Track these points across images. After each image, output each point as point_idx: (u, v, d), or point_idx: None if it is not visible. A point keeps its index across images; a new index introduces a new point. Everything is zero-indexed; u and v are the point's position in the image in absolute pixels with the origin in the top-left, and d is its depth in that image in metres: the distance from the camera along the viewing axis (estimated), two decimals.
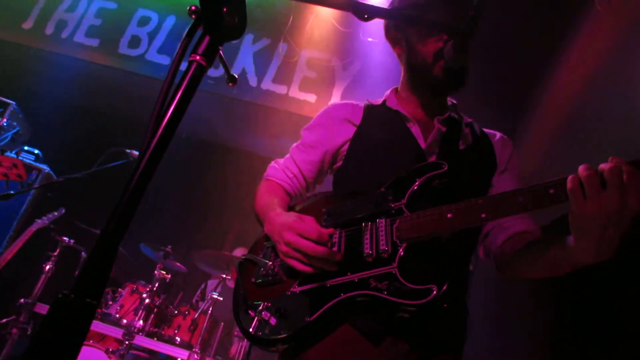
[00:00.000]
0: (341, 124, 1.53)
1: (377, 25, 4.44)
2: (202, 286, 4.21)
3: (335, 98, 4.53)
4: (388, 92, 1.60)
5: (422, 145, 1.42)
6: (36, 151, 3.93)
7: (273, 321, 1.20)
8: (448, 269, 1.20)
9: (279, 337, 1.16)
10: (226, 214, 5.10)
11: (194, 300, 3.94)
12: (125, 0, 4.90)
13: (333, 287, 1.18)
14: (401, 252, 1.15)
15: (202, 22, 0.58)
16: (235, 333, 3.77)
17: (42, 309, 3.39)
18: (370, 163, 1.43)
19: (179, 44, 0.59)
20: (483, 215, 1.08)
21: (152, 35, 4.81)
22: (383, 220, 1.23)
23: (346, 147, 1.51)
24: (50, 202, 3.72)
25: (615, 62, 2.59)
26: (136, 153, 3.84)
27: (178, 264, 3.89)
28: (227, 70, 0.67)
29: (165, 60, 4.73)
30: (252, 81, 4.64)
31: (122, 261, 3.99)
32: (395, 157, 1.40)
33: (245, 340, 3.09)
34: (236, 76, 0.72)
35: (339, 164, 1.53)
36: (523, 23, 3.77)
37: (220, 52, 0.62)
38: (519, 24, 3.70)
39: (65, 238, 3.53)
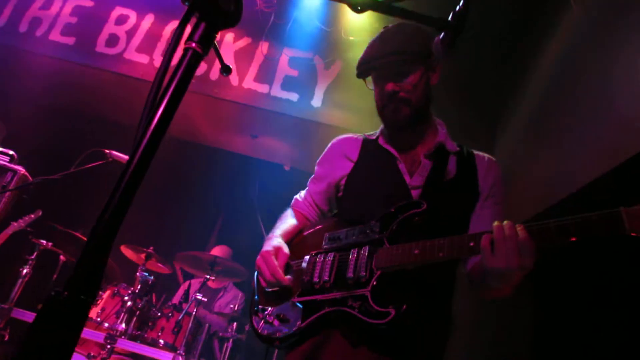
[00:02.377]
0: (341, 159, 1.78)
1: (358, 23, 4.46)
2: (186, 287, 4.15)
3: (318, 97, 4.52)
4: (382, 126, 1.77)
5: (408, 181, 1.61)
6: (11, 152, 3.81)
7: (276, 323, 1.51)
8: (414, 294, 1.43)
9: (277, 336, 1.49)
10: (208, 214, 5.04)
11: (177, 302, 3.88)
12: None
13: (322, 301, 1.44)
14: (375, 278, 1.38)
15: (197, 8, 0.56)
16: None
17: (20, 314, 3.30)
18: (364, 197, 1.65)
19: (174, 32, 0.57)
20: (441, 255, 1.29)
21: (130, 34, 4.73)
22: (367, 248, 1.43)
23: (344, 181, 1.74)
24: (26, 204, 3.62)
25: (591, 60, 2.64)
26: (116, 153, 3.77)
27: (160, 265, 3.83)
28: (221, 61, 0.66)
29: (144, 60, 4.65)
30: (234, 80, 4.59)
31: None
32: (384, 193, 1.60)
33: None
34: (231, 67, 0.71)
35: (340, 194, 1.76)
36: (500, 21, 3.83)
37: (216, 41, 0.61)
38: (495, 23, 3.76)
39: (42, 241, 3.44)
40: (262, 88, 4.58)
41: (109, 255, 0.53)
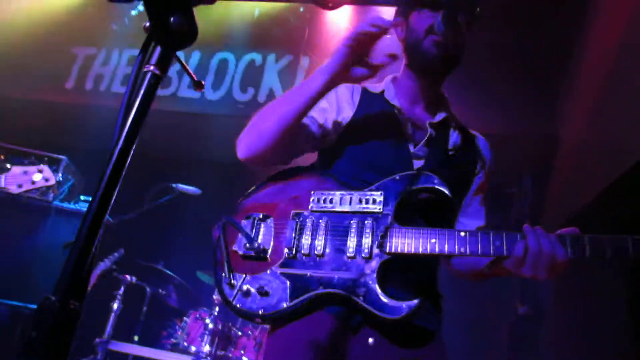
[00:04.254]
0: (345, 102, 1.48)
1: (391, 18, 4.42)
2: None
3: None
4: (387, 79, 1.54)
5: (411, 147, 1.42)
6: (91, 199, 4.18)
7: (253, 296, 1.26)
8: (424, 286, 1.32)
9: (258, 313, 1.25)
10: None
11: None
12: None
13: (313, 278, 1.24)
14: (381, 263, 1.22)
15: (153, 34, 0.61)
16: None
17: (117, 346, 3.56)
18: (361, 154, 1.42)
19: (137, 59, 0.62)
20: (462, 250, 1.19)
21: (180, 73, 5.03)
22: (370, 224, 1.26)
23: (340, 128, 1.46)
24: (109, 245, 3.93)
25: None
26: (181, 186, 4.01)
27: None
28: (190, 76, 0.70)
29: (195, 94, 4.93)
30: None
31: (182, 290, 4.14)
32: (385, 156, 1.40)
33: None
34: (203, 82, 0.75)
35: (331, 137, 1.46)
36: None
37: (182, 61, 0.65)
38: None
39: (127, 276, 3.71)
40: None
41: (92, 259, 0.57)
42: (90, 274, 0.57)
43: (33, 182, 2.15)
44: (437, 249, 1.20)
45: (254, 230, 1.34)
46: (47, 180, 2.19)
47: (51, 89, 5.03)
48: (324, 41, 4.60)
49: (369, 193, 1.30)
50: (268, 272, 1.28)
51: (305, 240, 1.28)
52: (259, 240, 1.32)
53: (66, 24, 4.90)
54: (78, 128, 4.75)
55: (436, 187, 1.28)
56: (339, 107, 1.47)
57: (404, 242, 1.23)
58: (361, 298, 1.19)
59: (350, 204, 1.30)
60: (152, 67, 0.60)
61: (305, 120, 1.40)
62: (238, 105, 4.85)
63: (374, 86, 1.54)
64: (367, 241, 1.23)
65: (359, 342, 1.25)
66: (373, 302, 1.18)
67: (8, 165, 2.19)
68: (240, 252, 1.33)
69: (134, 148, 0.60)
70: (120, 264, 3.77)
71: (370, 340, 1.25)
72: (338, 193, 1.32)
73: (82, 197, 4.19)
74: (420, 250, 1.21)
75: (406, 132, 1.44)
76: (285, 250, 1.29)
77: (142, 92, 0.59)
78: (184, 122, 4.96)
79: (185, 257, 4.46)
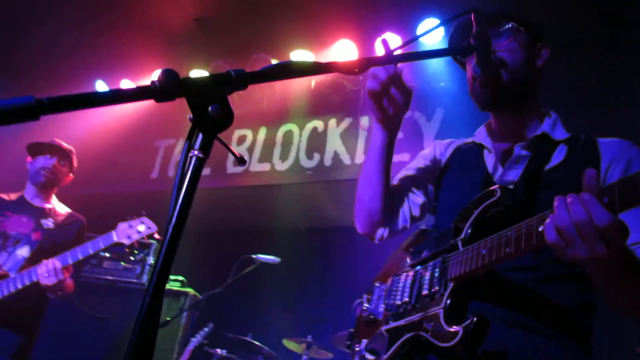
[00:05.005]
0: (433, 160, 1.63)
1: (441, 69, 4.47)
2: None
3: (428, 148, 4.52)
4: (481, 127, 1.60)
5: (497, 176, 1.39)
6: (180, 278, 4.43)
7: (368, 358, 1.32)
8: (502, 301, 1.18)
9: None
10: (357, 293, 5.10)
11: None
12: None
13: (403, 327, 1.24)
14: (449, 292, 1.15)
15: (195, 123, 0.71)
16: None
17: None
18: (448, 199, 1.48)
19: (184, 147, 0.71)
20: (507, 250, 1.02)
21: (250, 149, 5.34)
22: (440, 259, 1.23)
23: (431, 186, 1.59)
24: (199, 320, 4.10)
25: None
26: (261, 257, 4.15)
27: (322, 351, 3.93)
28: (233, 153, 0.79)
29: (266, 167, 5.19)
30: (346, 160, 4.84)
31: None
32: (470, 192, 1.35)
33: None
34: (245, 158, 0.83)
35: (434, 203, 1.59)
36: None
37: (224, 141, 0.74)
38: None
39: (218, 350, 3.81)
40: None
41: (156, 329, 0.63)
42: (155, 339, 0.62)
43: (139, 232, 2.52)
44: (487, 259, 1.06)
45: (374, 297, 1.45)
46: (149, 228, 2.55)
47: (139, 181, 5.53)
48: None
49: (447, 230, 1.30)
50: (378, 332, 1.34)
51: (399, 295, 1.32)
52: (372, 306, 1.42)
53: (147, 121, 5.45)
54: (164, 213, 5.14)
55: (495, 197, 1.19)
56: (424, 174, 1.61)
57: (461, 262, 1.14)
58: (429, 333, 1.13)
59: (434, 247, 1.31)
60: (196, 152, 0.69)
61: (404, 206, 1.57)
62: (307, 172, 5.02)
63: (469, 137, 1.62)
64: (436, 275, 1.20)
65: None
66: (436, 334, 1.11)
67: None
68: (364, 319, 1.43)
69: (186, 223, 0.67)
70: (211, 338, 3.89)
71: None
72: (426, 241, 1.37)
73: (171, 277, 4.45)
74: (475, 265, 1.09)
75: (489, 159, 1.44)
76: (387, 309, 1.35)
77: (189, 173, 0.67)
78: (258, 194, 5.20)
79: (271, 326, 4.51)
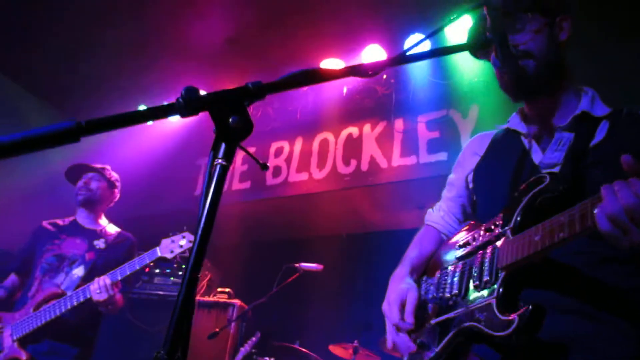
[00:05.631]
0: (470, 157, 1.61)
1: (473, 64, 4.41)
2: None
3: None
4: (513, 114, 1.56)
5: (537, 160, 1.36)
6: (227, 290, 4.55)
7: (418, 351, 1.33)
8: (557, 288, 1.15)
9: None
10: None
11: None
12: (260, 140, 5.67)
13: (454, 319, 1.26)
14: (500, 281, 1.14)
15: (218, 133, 0.76)
16: None
17: None
18: (491, 190, 1.46)
19: (209, 156, 0.77)
20: (561, 235, 0.98)
21: (288, 161, 5.44)
22: (491, 247, 1.22)
23: (471, 177, 1.58)
24: (247, 330, 4.19)
25: None
26: (305, 265, 4.21)
27: (369, 356, 3.93)
28: (256, 160, 0.84)
29: (304, 177, 5.26)
30: (383, 164, 4.85)
31: None
32: (509, 181, 1.36)
33: None
34: (267, 164, 0.88)
35: (474, 196, 1.59)
36: None
37: (245, 148, 0.79)
38: None
39: (266, 358, 3.89)
40: (411, 160, 4.72)
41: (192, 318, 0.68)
42: (189, 332, 0.68)
43: (181, 246, 2.67)
44: (540, 246, 1.03)
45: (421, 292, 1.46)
46: (190, 242, 2.69)
47: (184, 199, 5.73)
48: (414, 99, 4.72)
49: (494, 220, 1.28)
50: (428, 326, 1.36)
51: (448, 287, 1.32)
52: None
53: (188, 140, 5.65)
54: None
55: (545, 183, 1.16)
56: (462, 175, 1.63)
57: (512, 249, 1.12)
58: (482, 323, 1.13)
59: (481, 238, 1.30)
60: (220, 160, 0.75)
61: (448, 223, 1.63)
62: (344, 179, 5.06)
63: (503, 125, 1.58)
64: (486, 265, 1.20)
65: None
66: (491, 323, 1.10)
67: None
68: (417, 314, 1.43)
69: (213, 227, 0.72)
70: (259, 347, 3.97)
71: None
72: (472, 233, 1.36)
73: (219, 289, 4.58)
74: (527, 252, 1.06)
75: (532, 148, 1.39)
76: (437, 302, 1.37)
77: (214, 180, 0.72)
78: (297, 204, 5.28)
79: (318, 333, 4.55)
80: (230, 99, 0.78)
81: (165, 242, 2.76)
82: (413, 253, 1.57)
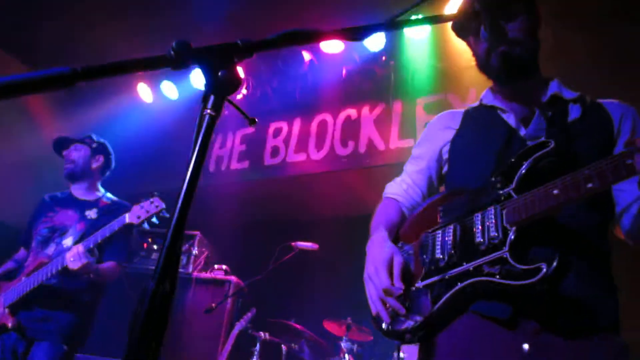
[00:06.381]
0: (442, 131, 1.65)
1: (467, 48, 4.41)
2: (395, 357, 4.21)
3: None
4: (485, 91, 1.65)
5: (522, 132, 1.44)
6: (224, 266, 4.62)
7: (406, 315, 1.31)
8: (563, 247, 1.19)
9: (407, 328, 1.29)
10: None
11: None
12: (259, 121, 5.69)
13: (451, 277, 1.27)
14: (512, 235, 1.19)
15: (208, 88, 0.80)
16: None
17: None
18: (473, 160, 1.50)
19: (200, 109, 0.81)
20: (589, 185, 1.09)
21: (286, 141, 5.47)
22: (492, 208, 1.27)
23: (446, 149, 1.61)
24: (243, 306, 4.27)
25: None
26: (301, 244, 4.27)
27: (363, 331, 4.01)
28: (244, 115, 0.87)
29: (302, 157, 5.29)
30: (380, 146, 4.87)
31: (313, 343, 4.26)
32: (496, 150, 1.43)
33: None
34: (255, 119, 0.92)
35: (445, 168, 1.63)
36: None
37: (233, 102, 0.83)
38: None
39: (261, 333, 3.96)
40: (408, 143, 4.74)
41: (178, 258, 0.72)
42: (177, 264, 0.71)
43: (147, 212, 2.71)
44: (562, 198, 1.13)
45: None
46: (157, 207, 2.75)
47: (180, 179, 5.76)
48: (413, 82, 4.73)
49: (488, 183, 1.34)
50: (413, 289, 1.35)
51: (439, 248, 1.34)
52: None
53: (186, 117, 5.65)
54: (206, 206, 5.35)
55: (550, 147, 1.25)
56: (433, 148, 1.65)
57: (525, 205, 1.19)
58: (497, 276, 1.16)
59: (473, 201, 1.35)
60: (209, 111, 0.78)
61: (409, 193, 1.65)
62: (341, 160, 5.09)
63: (474, 103, 1.66)
64: (491, 223, 1.24)
65: (512, 349, 1.18)
66: (508, 275, 1.14)
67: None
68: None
69: (199, 176, 0.76)
70: (254, 322, 4.05)
71: (525, 346, 1.17)
72: (460, 197, 1.41)
73: (215, 266, 4.65)
74: (545, 206, 1.16)
75: (513, 122, 1.47)
76: (423, 265, 1.37)
77: (203, 130, 0.76)
78: (295, 184, 5.32)
79: (312, 311, 4.62)
80: (220, 53, 0.82)
81: (135, 208, 2.79)
82: (381, 219, 1.58)
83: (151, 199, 2.81)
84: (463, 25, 1.40)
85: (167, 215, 2.84)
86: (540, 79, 1.54)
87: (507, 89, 1.54)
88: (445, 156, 1.62)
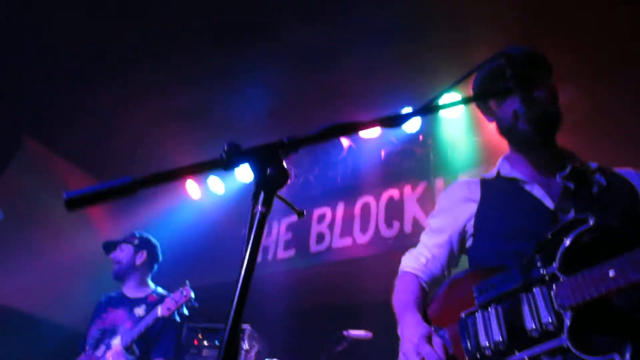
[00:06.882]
0: (462, 203, 1.61)
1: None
2: None
3: None
4: (499, 161, 1.64)
5: (550, 205, 1.41)
6: None
7: None
8: (630, 333, 1.09)
9: None
10: None
11: None
12: (302, 208, 5.76)
13: None
14: (567, 321, 1.11)
15: (257, 185, 0.84)
16: None
17: None
18: (502, 235, 1.44)
19: (251, 205, 0.84)
20: None
21: (331, 227, 5.49)
22: (538, 289, 1.19)
23: (471, 224, 1.56)
24: None
25: None
26: (353, 332, 4.12)
27: None
28: (293, 209, 0.90)
29: (348, 242, 5.26)
30: (426, 224, 4.78)
31: None
32: (525, 224, 1.39)
33: None
34: (304, 211, 0.94)
35: (469, 242, 1.58)
36: None
37: (282, 197, 0.86)
38: None
39: None
40: None
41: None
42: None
43: (176, 302, 2.71)
44: (620, 281, 1.04)
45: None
46: (185, 295, 2.78)
47: (228, 272, 5.81)
48: (453, 158, 4.76)
49: (527, 261, 1.26)
50: None
51: (482, 335, 1.24)
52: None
53: (233, 211, 5.82)
54: (254, 298, 5.31)
55: (589, 224, 1.18)
56: (455, 222, 1.60)
57: (578, 289, 1.11)
58: None
59: (512, 281, 1.26)
60: (259, 208, 0.81)
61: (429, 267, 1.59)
62: (388, 242, 5.03)
63: (489, 173, 1.65)
64: (540, 306, 1.16)
65: None
66: None
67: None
68: None
69: (254, 270, 0.77)
70: None
71: None
72: (496, 276, 1.31)
73: None
74: (602, 290, 1.07)
75: (539, 194, 1.44)
76: (466, 353, 1.27)
77: (255, 226, 0.79)
78: (342, 270, 5.25)
79: None
80: (267, 151, 0.87)
81: (167, 300, 2.82)
82: (409, 298, 1.50)
83: (181, 289, 2.85)
84: (489, 94, 1.43)
85: (196, 305, 2.87)
86: (558, 149, 1.54)
87: (528, 156, 1.53)
88: (470, 231, 1.57)
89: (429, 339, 1.29)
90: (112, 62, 4.48)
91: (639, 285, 1.03)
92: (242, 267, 0.76)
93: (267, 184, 0.84)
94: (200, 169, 0.84)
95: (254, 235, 0.79)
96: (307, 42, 4.19)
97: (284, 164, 0.88)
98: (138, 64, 4.50)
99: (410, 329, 1.35)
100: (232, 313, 0.72)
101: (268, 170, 0.85)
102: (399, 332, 1.41)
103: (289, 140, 0.89)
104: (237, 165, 0.84)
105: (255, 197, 0.85)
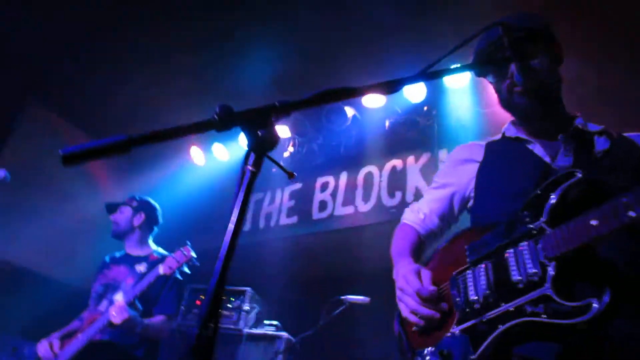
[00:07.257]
0: (465, 164, 1.65)
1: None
2: None
3: None
4: (506, 124, 1.66)
5: (549, 162, 1.42)
6: (275, 322, 4.59)
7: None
8: (611, 279, 1.10)
9: None
10: None
11: None
12: (306, 176, 5.80)
13: (490, 320, 1.20)
14: (551, 271, 1.13)
15: (249, 146, 0.87)
16: None
17: None
18: (500, 192, 1.48)
19: (241, 167, 0.87)
20: (632, 214, 1.01)
21: (334, 195, 5.53)
22: (526, 243, 1.22)
23: (472, 184, 1.60)
24: None
25: None
26: (351, 297, 4.21)
27: None
28: (284, 169, 0.93)
29: (350, 210, 5.31)
30: None
31: None
32: (522, 181, 1.41)
33: None
34: (294, 173, 0.97)
35: (471, 202, 1.63)
36: None
37: (272, 158, 0.89)
38: None
39: None
40: None
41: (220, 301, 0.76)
42: (219, 308, 0.75)
43: (178, 261, 2.82)
44: (603, 229, 1.05)
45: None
46: (185, 255, 2.91)
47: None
48: (453, 129, 4.74)
49: (515, 218, 1.28)
50: (448, 335, 1.29)
51: (472, 289, 1.28)
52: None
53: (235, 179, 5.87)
54: (256, 262, 5.42)
55: (577, 177, 1.20)
56: (459, 181, 1.65)
57: (562, 239, 1.12)
58: (543, 316, 1.10)
59: (502, 237, 1.29)
60: (249, 167, 0.84)
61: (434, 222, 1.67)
62: (390, 211, 5.07)
63: (496, 137, 1.67)
64: (526, 259, 1.18)
65: None
66: (555, 314, 1.07)
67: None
68: (415, 329, 1.39)
69: (242, 227, 0.80)
70: None
71: None
72: (487, 234, 1.35)
73: (265, 322, 4.63)
74: (584, 238, 1.08)
75: (538, 150, 1.47)
76: (457, 308, 1.31)
77: (244, 184, 0.82)
78: (343, 238, 5.32)
79: None
80: (259, 114, 0.89)
81: (168, 259, 2.90)
82: (405, 245, 1.60)
83: (182, 249, 2.92)
84: (486, 63, 1.43)
85: (198, 264, 2.94)
86: (565, 115, 1.54)
87: (532, 125, 1.55)
88: (472, 191, 1.61)
89: (418, 274, 1.38)
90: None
91: (621, 232, 1.05)
92: (231, 221, 0.79)
93: (258, 145, 0.86)
94: (193, 130, 0.86)
95: (244, 192, 0.82)
96: (313, 10, 4.14)
97: (275, 127, 0.90)
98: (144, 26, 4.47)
99: (403, 268, 1.44)
100: (218, 265, 0.76)
101: (259, 132, 0.87)
102: (394, 275, 1.48)
103: (281, 104, 0.91)
104: (229, 127, 0.86)
105: (246, 157, 0.88)
